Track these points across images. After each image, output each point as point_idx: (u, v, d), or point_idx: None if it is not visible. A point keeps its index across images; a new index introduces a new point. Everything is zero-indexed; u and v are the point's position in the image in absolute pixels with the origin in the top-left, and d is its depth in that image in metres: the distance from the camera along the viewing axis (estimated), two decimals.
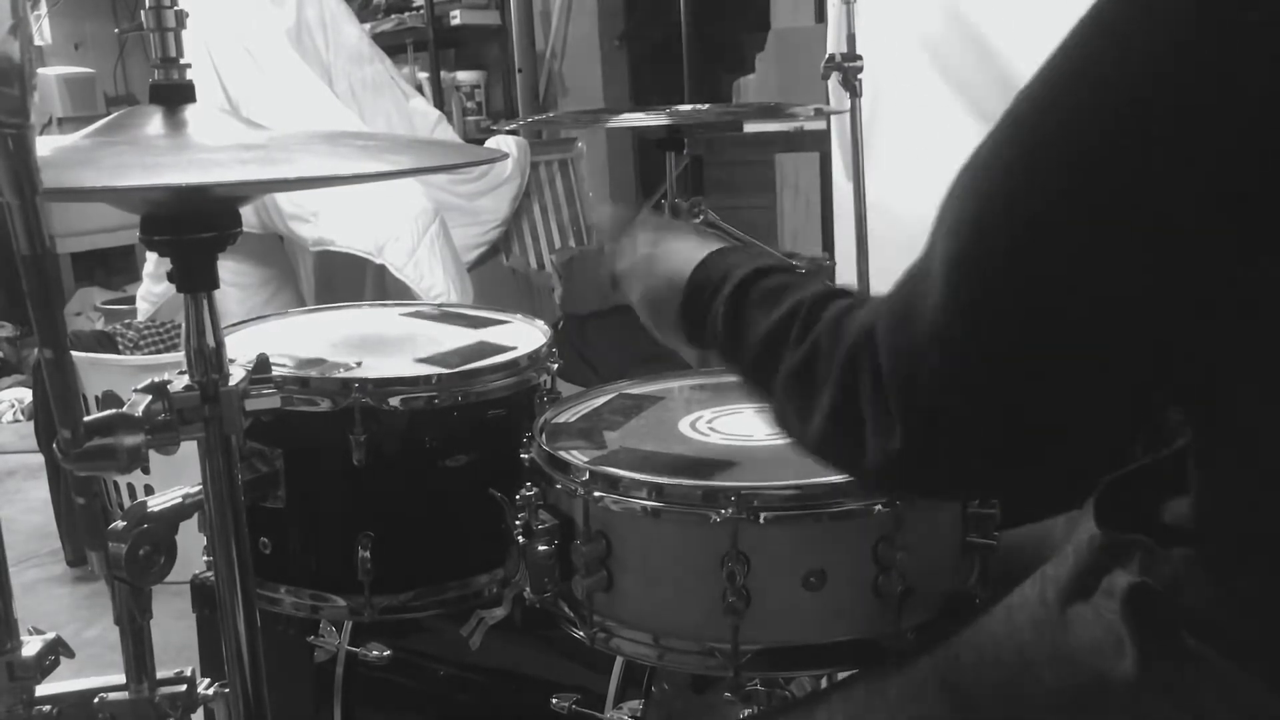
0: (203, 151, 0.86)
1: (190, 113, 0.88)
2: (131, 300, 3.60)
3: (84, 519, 2.51)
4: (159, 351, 3.08)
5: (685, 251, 0.94)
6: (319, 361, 1.23)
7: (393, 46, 4.33)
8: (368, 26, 4.13)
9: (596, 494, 0.96)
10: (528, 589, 1.04)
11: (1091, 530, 0.84)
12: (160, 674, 0.92)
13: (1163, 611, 0.76)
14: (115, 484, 2.67)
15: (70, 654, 0.89)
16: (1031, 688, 0.80)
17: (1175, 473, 0.76)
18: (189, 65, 0.89)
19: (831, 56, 1.74)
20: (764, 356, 0.82)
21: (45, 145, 0.76)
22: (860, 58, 1.73)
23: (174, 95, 0.88)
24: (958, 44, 1.42)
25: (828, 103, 2.04)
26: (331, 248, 3.11)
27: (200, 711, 0.95)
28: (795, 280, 0.85)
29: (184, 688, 0.93)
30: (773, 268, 0.88)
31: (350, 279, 3.45)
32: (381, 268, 3.10)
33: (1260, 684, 0.72)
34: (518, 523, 1.06)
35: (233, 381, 0.87)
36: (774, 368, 0.80)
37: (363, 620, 1.21)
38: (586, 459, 1.02)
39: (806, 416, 0.76)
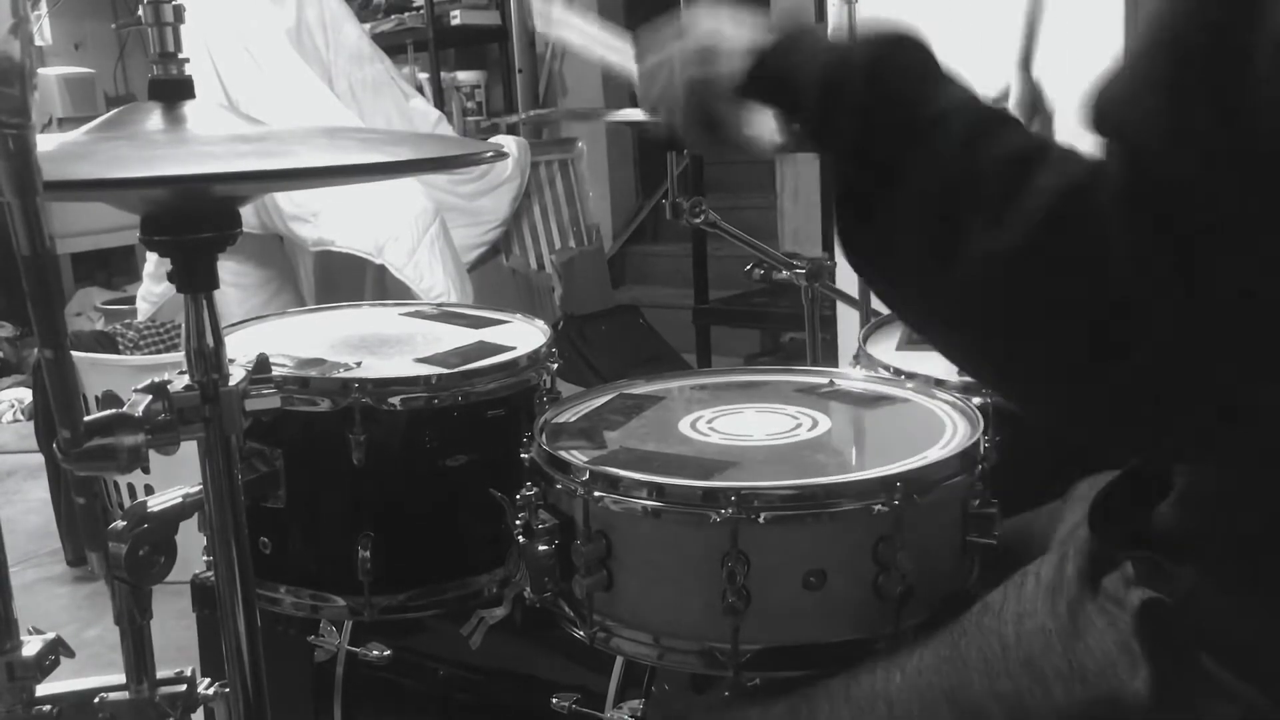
0: (201, 145, 0.85)
1: (189, 108, 0.88)
2: (131, 300, 3.60)
3: (84, 519, 2.51)
4: (159, 351, 3.08)
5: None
6: (319, 361, 1.23)
7: (393, 46, 4.32)
8: (368, 26, 4.13)
9: (596, 494, 0.96)
10: (528, 589, 1.04)
11: (1079, 528, 0.83)
12: (160, 674, 0.92)
13: (1177, 630, 0.74)
14: (115, 484, 2.66)
15: (70, 654, 0.89)
16: (1041, 702, 0.79)
17: (1164, 480, 0.76)
18: (187, 60, 0.88)
19: None
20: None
21: (44, 143, 0.76)
22: None
23: (173, 91, 0.88)
24: (958, 44, 1.41)
25: None
26: (331, 248, 3.11)
27: (200, 711, 0.94)
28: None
29: (184, 688, 0.92)
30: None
31: (350, 279, 3.45)
32: (381, 268, 3.10)
33: (1278, 708, 0.71)
34: (518, 523, 1.06)
35: (233, 381, 0.87)
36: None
37: (363, 620, 1.21)
38: (586, 459, 1.02)
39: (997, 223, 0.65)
